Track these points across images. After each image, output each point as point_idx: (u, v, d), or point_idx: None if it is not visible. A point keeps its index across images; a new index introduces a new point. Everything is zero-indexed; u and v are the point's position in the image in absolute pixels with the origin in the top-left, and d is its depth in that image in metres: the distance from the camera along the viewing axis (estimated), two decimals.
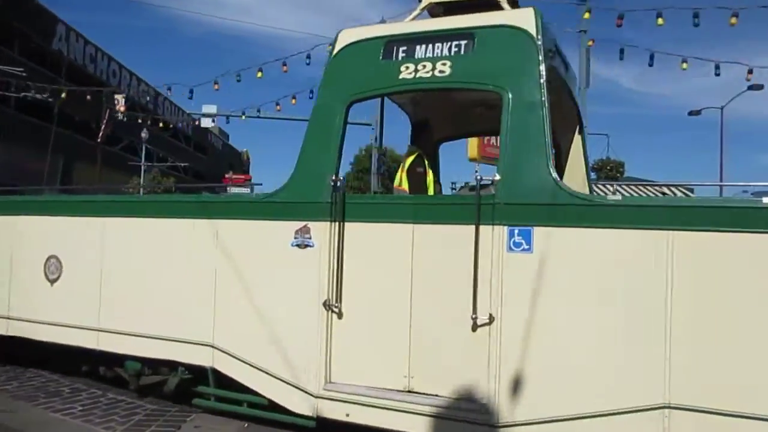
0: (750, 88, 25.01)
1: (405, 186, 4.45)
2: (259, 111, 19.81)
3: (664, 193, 14.72)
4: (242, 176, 31.64)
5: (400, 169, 4.55)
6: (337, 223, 4.05)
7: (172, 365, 4.75)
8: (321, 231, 4.10)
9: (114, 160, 31.58)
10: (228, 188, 7.30)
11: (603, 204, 3.51)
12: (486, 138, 19.64)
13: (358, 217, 4.05)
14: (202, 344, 4.51)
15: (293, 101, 16.15)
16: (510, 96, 3.70)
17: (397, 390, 3.89)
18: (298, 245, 4.17)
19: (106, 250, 4.98)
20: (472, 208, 3.69)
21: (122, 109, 24.82)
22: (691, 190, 14.23)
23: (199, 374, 4.68)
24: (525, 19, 3.81)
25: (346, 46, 4.30)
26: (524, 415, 3.46)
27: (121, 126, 26.99)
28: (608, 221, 3.37)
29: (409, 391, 3.87)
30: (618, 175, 28.98)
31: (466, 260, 3.69)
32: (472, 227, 3.66)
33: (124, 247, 4.93)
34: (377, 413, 3.81)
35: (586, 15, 9.50)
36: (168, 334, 4.66)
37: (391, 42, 4.18)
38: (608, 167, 29.76)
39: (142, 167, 32.99)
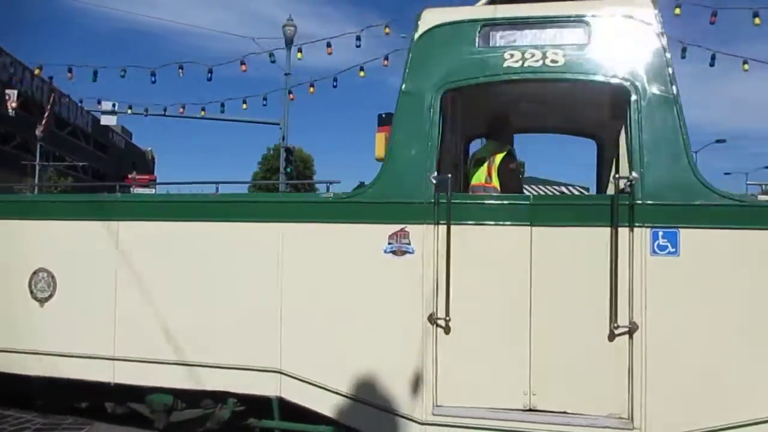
0: None
1: (496, 184, 4.08)
2: (165, 110, 18.27)
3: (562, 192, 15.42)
4: (146, 176, 29.00)
5: (486, 166, 4.17)
6: (441, 226, 3.59)
7: (220, 397, 4.00)
8: (422, 235, 3.62)
9: (5, 159, 27.93)
10: (131, 188, 6.52)
11: (758, 205, 3.39)
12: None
13: (465, 219, 3.62)
14: (265, 370, 3.83)
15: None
16: (640, 91, 3.47)
17: (517, 409, 3.52)
18: (393, 252, 3.65)
19: (123, 260, 4.09)
20: (605, 208, 3.42)
21: (14, 105, 21.68)
22: (587, 189, 15.00)
23: (252, 405, 3.99)
24: (645, 8, 3.60)
25: (433, 27, 3.84)
26: (680, 427, 3.25)
27: (13, 122, 23.89)
28: (763, 222, 3.25)
29: (531, 410, 3.52)
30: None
31: (599, 265, 3.40)
32: (607, 230, 3.38)
33: (152, 255, 4.08)
34: None
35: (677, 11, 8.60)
36: (217, 360, 3.92)
37: (487, 26, 3.79)
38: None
39: (37, 167, 29.28)
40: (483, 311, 3.59)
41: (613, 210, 3.38)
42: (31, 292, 4.28)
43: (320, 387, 3.74)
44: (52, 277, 4.25)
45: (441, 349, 3.60)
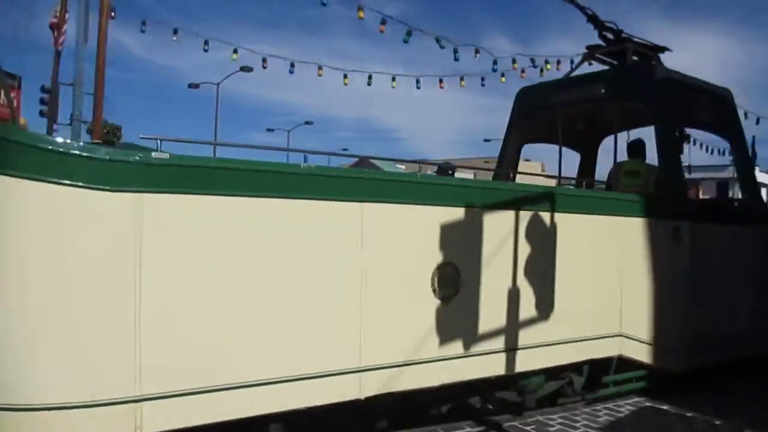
0: (242, 69, 27.61)
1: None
2: None
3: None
4: None
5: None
6: None
7: (573, 367, 4.71)
8: None
9: None
10: None
11: None
12: None
13: None
14: (611, 336, 4.85)
15: None
16: None
17: None
18: None
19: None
20: None
21: None
22: None
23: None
24: None
25: None
26: None
27: None
28: None
29: None
30: (115, 139, 28.72)
31: None
32: None
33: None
34: None
35: None
36: (580, 334, 4.66)
37: None
38: (105, 130, 29.21)
39: None
40: None
41: None
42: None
43: (642, 342, 5.06)
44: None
45: None
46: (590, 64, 6.33)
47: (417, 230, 3.80)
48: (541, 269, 4.42)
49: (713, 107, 6.11)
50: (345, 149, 33.42)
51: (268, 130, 50.64)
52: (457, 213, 3.96)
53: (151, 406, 2.88)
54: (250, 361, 3.16)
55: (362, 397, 3.53)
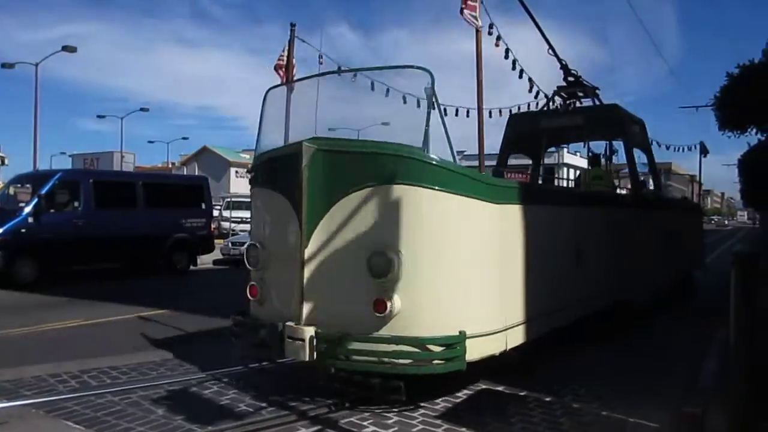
0: (64, 48, 23.54)
1: None
2: None
3: None
4: None
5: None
6: None
7: None
8: None
9: None
10: None
11: None
12: None
13: None
14: None
15: None
16: None
17: None
18: None
19: None
20: None
21: None
22: None
23: None
24: None
25: None
26: None
27: None
28: None
29: None
30: None
31: None
32: None
33: None
34: None
35: None
36: None
37: None
38: None
39: None
40: None
41: None
42: None
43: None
44: None
45: None
46: (551, 99, 9.09)
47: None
48: None
49: (641, 132, 9.00)
50: (185, 137, 31.41)
51: (99, 116, 47.16)
52: None
53: (511, 332, 4.73)
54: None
55: None
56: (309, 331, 4.17)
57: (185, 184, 16.83)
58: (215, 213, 19.87)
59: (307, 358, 4.18)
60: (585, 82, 8.86)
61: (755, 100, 9.51)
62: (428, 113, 4.22)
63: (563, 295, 5.66)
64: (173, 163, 57.19)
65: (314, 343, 4.15)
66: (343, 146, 4.50)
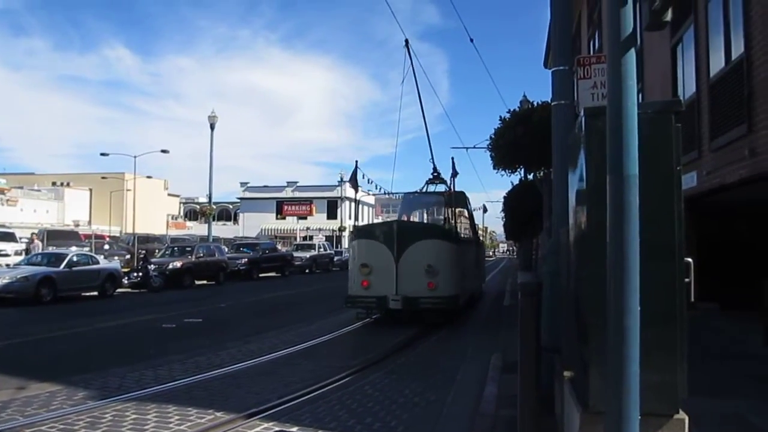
0: None
1: None
2: None
3: None
4: None
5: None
6: None
7: None
8: None
9: None
10: None
11: None
12: None
13: None
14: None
15: None
16: None
17: None
18: None
19: None
20: None
21: None
22: None
23: None
24: None
25: None
26: None
27: None
28: None
29: None
30: None
31: None
32: None
33: None
34: None
35: None
36: None
37: None
38: None
39: None
40: None
41: None
42: None
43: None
44: None
45: None
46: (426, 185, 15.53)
47: None
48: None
49: (465, 202, 16.41)
50: None
51: None
52: None
53: (463, 294, 13.40)
54: None
55: None
56: (401, 296, 10.76)
57: None
58: None
59: (400, 307, 10.75)
60: (442, 177, 15.89)
61: (524, 141, 10.90)
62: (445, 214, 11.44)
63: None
64: None
65: (403, 300, 10.77)
66: (409, 224, 11.47)
